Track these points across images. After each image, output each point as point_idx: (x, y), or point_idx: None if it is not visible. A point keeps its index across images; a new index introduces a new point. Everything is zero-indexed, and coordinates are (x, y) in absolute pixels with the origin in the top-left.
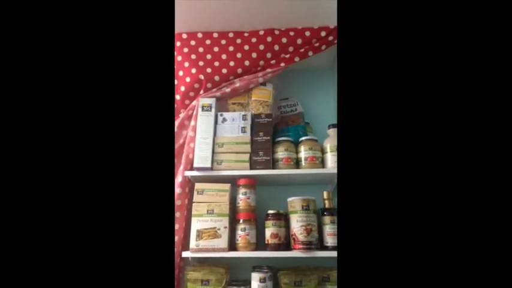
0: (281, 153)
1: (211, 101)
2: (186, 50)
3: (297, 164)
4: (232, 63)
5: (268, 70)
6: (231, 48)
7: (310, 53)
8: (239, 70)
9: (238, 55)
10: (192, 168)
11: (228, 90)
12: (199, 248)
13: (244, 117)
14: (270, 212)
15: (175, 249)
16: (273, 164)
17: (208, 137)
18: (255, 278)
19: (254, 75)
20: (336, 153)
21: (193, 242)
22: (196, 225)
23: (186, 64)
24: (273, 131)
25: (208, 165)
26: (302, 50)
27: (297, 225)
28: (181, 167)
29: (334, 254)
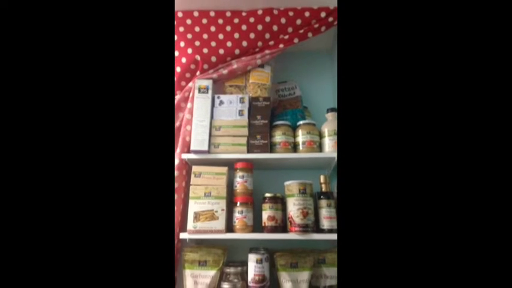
0: (279, 137)
1: (208, 83)
2: (181, 29)
3: (294, 148)
4: (229, 44)
5: (267, 51)
6: (228, 28)
7: (310, 35)
8: (236, 51)
9: (236, 35)
10: (189, 151)
11: (225, 71)
12: (196, 230)
13: (241, 100)
14: (267, 195)
15: None
16: (271, 147)
17: (205, 119)
18: (252, 259)
19: (252, 57)
20: (333, 137)
21: (190, 224)
22: (193, 207)
23: (182, 44)
24: (270, 115)
25: (206, 148)
26: (301, 31)
27: (293, 208)
28: (178, 150)
29: (330, 236)
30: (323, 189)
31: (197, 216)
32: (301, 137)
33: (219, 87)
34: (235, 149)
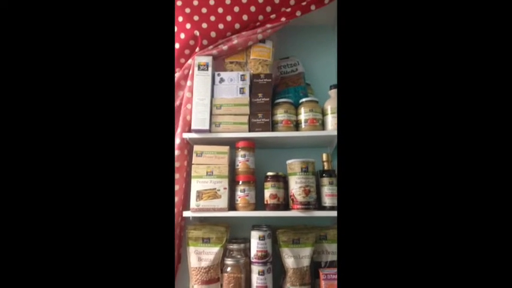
0: (280, 115)
1: (208, 60)
2: (179, 3)
3: (296, 126)
4: (229, 18)
5: (268, 26)
6: (227, 1)
7: (313, 7)
8: (237, 25)
9: (236, 9)
10: (190, 130)
11: (225, 47)
12: (199, 208)
13: (242, 78)
14: (269, 174)
15: (176, 210)
16: (272, 126)
17: (205, 98)
18: (254, 236)
19: (253, 31)
20: (336, 114)
21: (193, 202)
22: (196, 186)
23: (180, 19)
24: (272, 92)
25: (207, 127)
26: (304, 3)
27: (295, 186)
28: (179, 129)
29: (332, 213)
30: (325, 167)
31: (200, 195)
32: (303, 114)
33: (219, 64)
34: (237, 127)
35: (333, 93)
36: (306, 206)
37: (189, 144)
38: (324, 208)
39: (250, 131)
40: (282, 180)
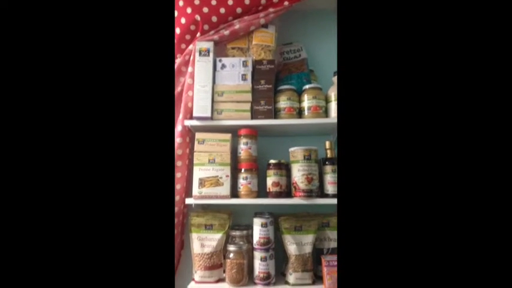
0: (283, 102)
1: (209, 45)
2: None
3: (299, 113)
4: (230, 2)
5: (271, 10)
6: None
7: None
8: (238, 10)
9: None
10: (191, 118)
11: (226, 32)
12: (202, 195)
13: (244, 64)
14: (272, 161)
15: (179, 197)
16: (275, 113)
17: (207, 84)
18: (257, 223)
19: (255, 16)
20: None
21: (196, 190)
22: (198, 173)
23: (181, 3)
24: (275, 79)
25: (208, 114)
26: None
27: (298, 174)
28: (181, 116)
29: (335, 201)
30: (328, 155)
31: (202, 183)
32: (306, 102)
33: (220, 49)
34: (239, 115)
35: (337, 79)
36: (309, 193)
37: (190, 132)
38: (326, 196)
39: (252, 118)
40: (285, 168)
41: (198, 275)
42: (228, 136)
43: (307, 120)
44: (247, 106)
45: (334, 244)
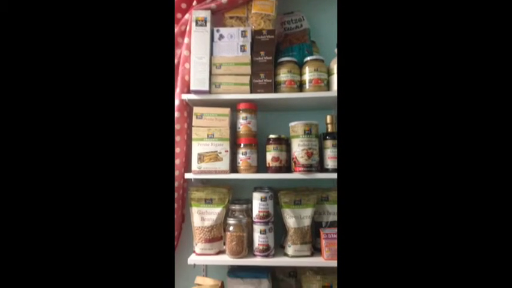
0: (284, 75)
1: (206, 14)
2: None
3: (300, 87)
4: None
5: None
6: None
7: None
8: None
9: None
10: (189, 91)
11: (224, 0)
12: (201, 170)
13: (243, 34)
14: (271, 136)
15: (178, 172)
16: (275, 87)
17: (204, 56)
18: (256, 197)
19: None
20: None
21: (195, 165)
22: (197, 148)
23: None
24: (275, 50)
25: (206, 88)
26: None
27: (298, 149)
28: (178, 90)
29: (334, 175)
30: (329, 130)
31: (201, 158)
32: (308, 74)
33: (218, 19)
34: (238, 88)
35: (337, 50)
36: (308, 168)
37: (188, 106)
38: (326, 170)
39: (251, 92)
40: (285, 143)
41: (198, 247)
42: (226, 111)
43: (308, 94)
44: (247, 79)
45: (333, 217)
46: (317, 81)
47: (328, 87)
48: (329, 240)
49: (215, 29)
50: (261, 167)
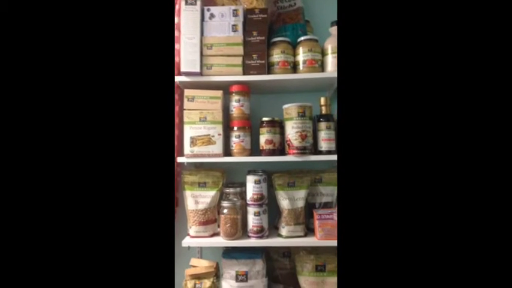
0: (277, 56)
1: None
2: None
3: (294, 68)
4: None
5: None
6: None
7: None
8: None
9: None
10: (179, 73)
11: None
12: (194, 154)
13: (235, 13)
14: (265, 119)
15: None
16: (268, 68)
17: (194, 37)
18: (250, 180)
19: None
20: (337, 54)
21: (187, 148)
22: (189, 132)
23: None
24: (268, 30)
25: (197, 69)
26: None
27: (292, 131)
28: None
29: (328, 157)
30: (323, 112)
31: (194, 141)
32: (301, 55)
33: None
34: (230, 70)
35: (334, 30)
36: (302, 150)
37: (179, 88)
38: (320, 153)
39: (244, 74)
40: (278, 126)
41: (193, 230)
42: (219, 93)
43: (302, 75)
44: (239, 60)
45: (326, 199)
46: (311, 61)
47: (322, 68)
48: (322, 221)
49: (205, 8)
50: (255, 150)
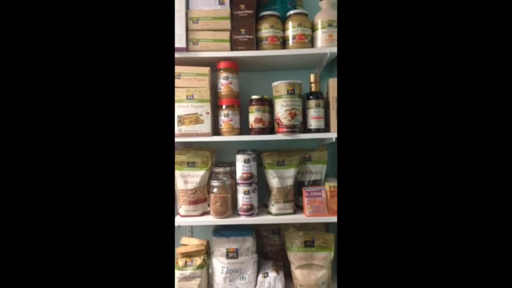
0: (266, 30)
1: None
2: None
3: (283, 43)
4: None
5: None
6: None
7: None
8: None
9: None
10: None
11: None
12: (182, 133)
13: None
14: (254, 97)
15: None
16: (257, 43)
17: (180, 10)
18: (240, 159)
19: None
20: (327, 29)
21: (175, 127)
22: (176, 111)
23: None
24: (256, 4)
25: (183, 45)
26: None
27: (281, 109)
28: None
29: (317, 136)
30: (312, 89)
31: (181, 120)
32: (291, 30)
33: None
34: (217, 45)
35: (324, 4)
36: (292, 129)
37: None
38: (309, 131)
39: (232, 49)
40: (268, 104)
41: (183, 209)
42: (206, 70)
43: (291, 51)
44: (226, 35)
45: (314, 177)
46: (301, 37)
47: (312, 43)
48: (311, 198)
49: None
50: (244, 128)
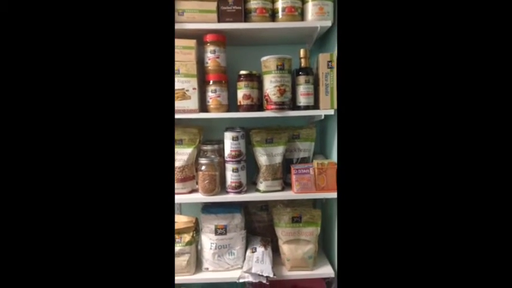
0: (254, 1)
1: None
2: None
3: (272, 16)
4: None
5: None
6: None
7: None
8: None
9: None
10: None
11: None
12: None
13: None
14: (242, 72)
15: None
16: (245, 15)
17: None
18: (228, 137)
19: None
20: (318, 2)
21: None
22: None
23: None
24: None
25: None
26: None
27: (270, 86)
28: None
29: (306, 113)
30: (302, 65)
31: None
32: (280, 1)
33: None
34: (204, 17)
35: None
36: (281, 106)
37: None
38: (298, 108)
39: (219, 21)
40: (256, 80)
41: None
42: (192, 43)
43: (281, 24)
44: (213, 6)
45: (303, 154)
46: (290, 9)
47: (302, 16)
48: (299, 175)
49: None
50: (232, 105)
